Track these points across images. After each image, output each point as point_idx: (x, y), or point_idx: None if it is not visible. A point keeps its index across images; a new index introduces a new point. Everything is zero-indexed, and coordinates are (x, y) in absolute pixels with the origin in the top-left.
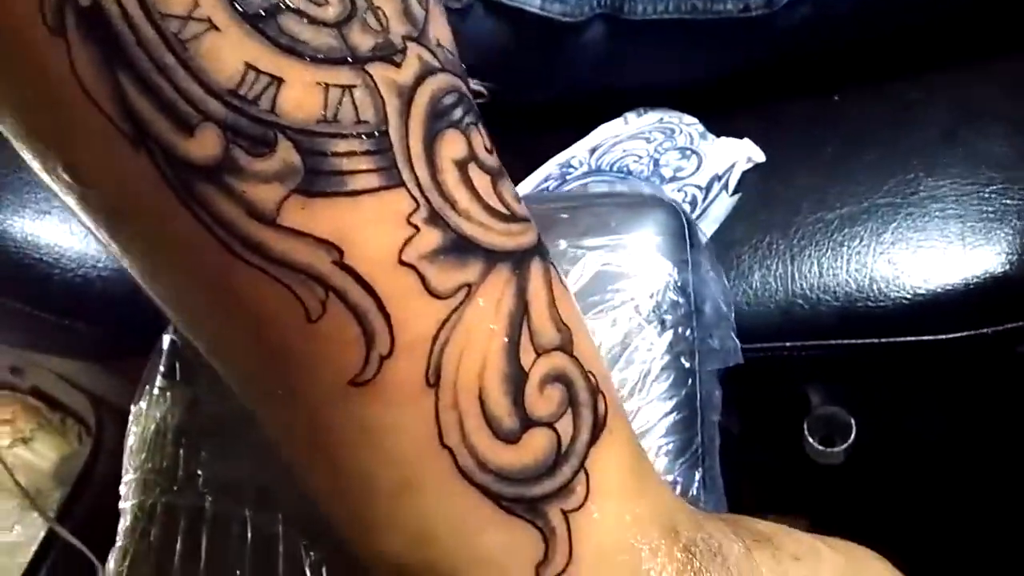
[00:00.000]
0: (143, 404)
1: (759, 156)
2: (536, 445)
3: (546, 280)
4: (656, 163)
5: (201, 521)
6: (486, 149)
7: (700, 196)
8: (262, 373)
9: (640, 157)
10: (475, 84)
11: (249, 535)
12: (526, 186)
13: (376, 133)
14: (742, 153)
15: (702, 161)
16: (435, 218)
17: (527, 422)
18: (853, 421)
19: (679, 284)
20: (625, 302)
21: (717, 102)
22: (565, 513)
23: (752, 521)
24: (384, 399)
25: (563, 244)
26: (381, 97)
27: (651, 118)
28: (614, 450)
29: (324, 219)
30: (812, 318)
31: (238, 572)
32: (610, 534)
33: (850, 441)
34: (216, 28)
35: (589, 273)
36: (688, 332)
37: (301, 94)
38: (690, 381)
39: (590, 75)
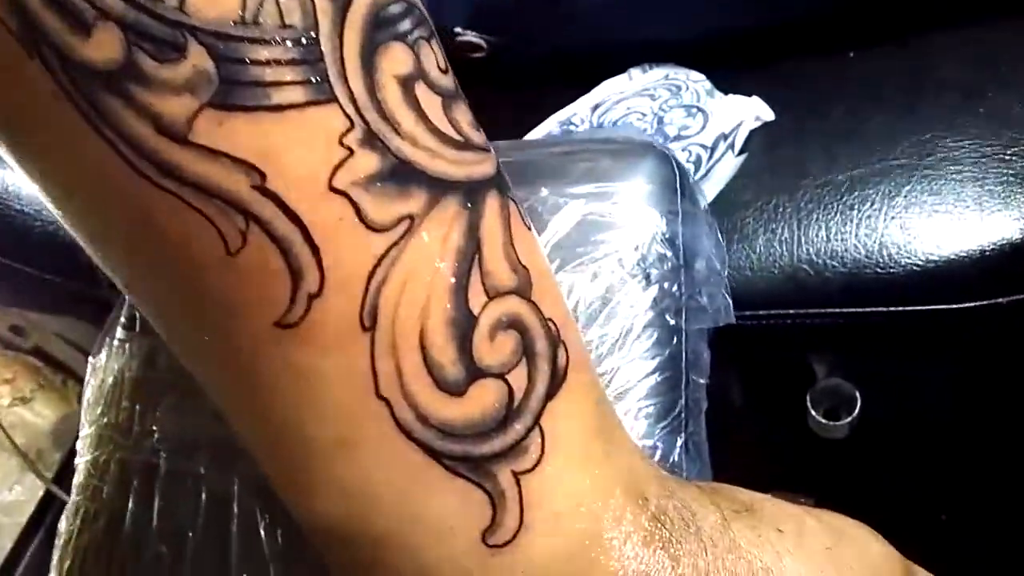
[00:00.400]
0: (103, 356)
1: (768, 114)
2: (484, 398)
3: (503, 216)
4: (660, 121)
5: (154, 478)
6: (439, 68)
7: (705, 156)
8: (183, 314)
9: (644, 115)
10: (473, 36)
11: (203, 495)
12: (521, 146)
13: (304, 40)
14: (750, 111)
15: (708, 119)
16: (372, 140)
17: (474, 372)
18: (858, 394)
19: (667, 236)
20: (608, 254)
21: (726, 59)
22: (516, 475)
23: (734, 490)
24: (314, 343)
25: (544, 191)
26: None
27: (657, 74)
28: (575, 407)
29: (243, 137)
30: (818, 285)
31: (190, 533)
32: (567, 499)
33: (855, 415)
34: None
35: (571, 222)
36: (675, 288)
37: None
38: (675, 340)
39: (593, 29)
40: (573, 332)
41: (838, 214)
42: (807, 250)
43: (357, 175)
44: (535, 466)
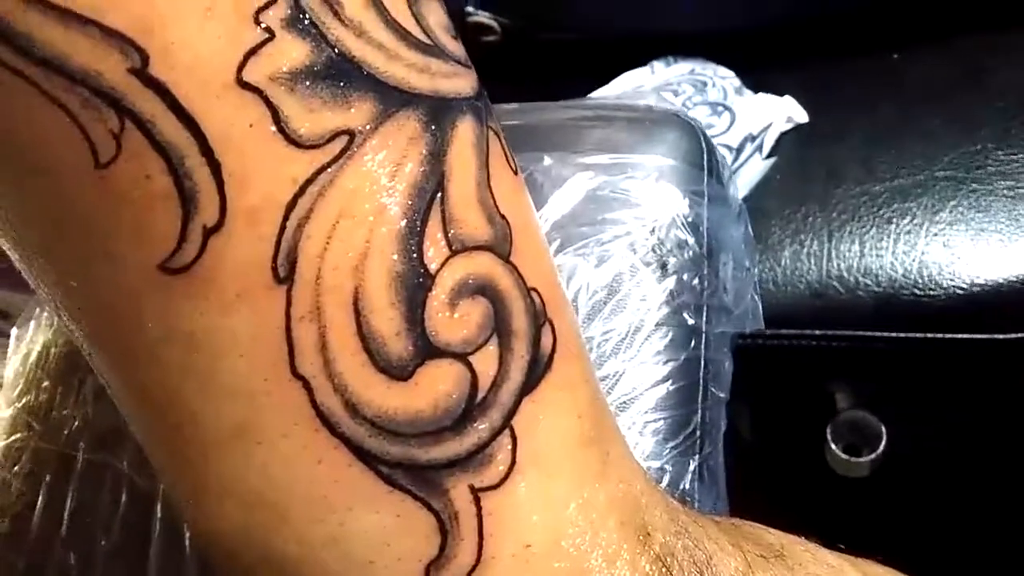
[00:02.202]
0: (29, 328)
1: (801, 116)
2: (437, 385)
3: (480, 148)
4: None
5: (70, 473)
6: None
7: (730, 157)
8: (45, 252)
9: None
10: (485, 17)
11: (124, 494)
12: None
13: None
14: (781, 112)
15: (735, 119)
16: (301, 21)
17: (426, 349)
18: (884, 429)
19: (689, 220)
20: (618, 236)
21: (757, 54)
22: (475, 491)
23: (760, 529)
24: (210, 296)
25: (548, 160)
26: None
27: (681, 68)
28: (561, 406)
29: (119, 3)
30: (847, 305)
31: (103, 541)
32: (545, 528)
33: (879, 452)
34: None
35: (576, 197)
36: (696, 281)
37: None
38: (693, 343)
39: (614, 15)
40: (564, 309)
41: (874, 228)
42: (837, 265)
43: (277, 67)
44: (502, 481)
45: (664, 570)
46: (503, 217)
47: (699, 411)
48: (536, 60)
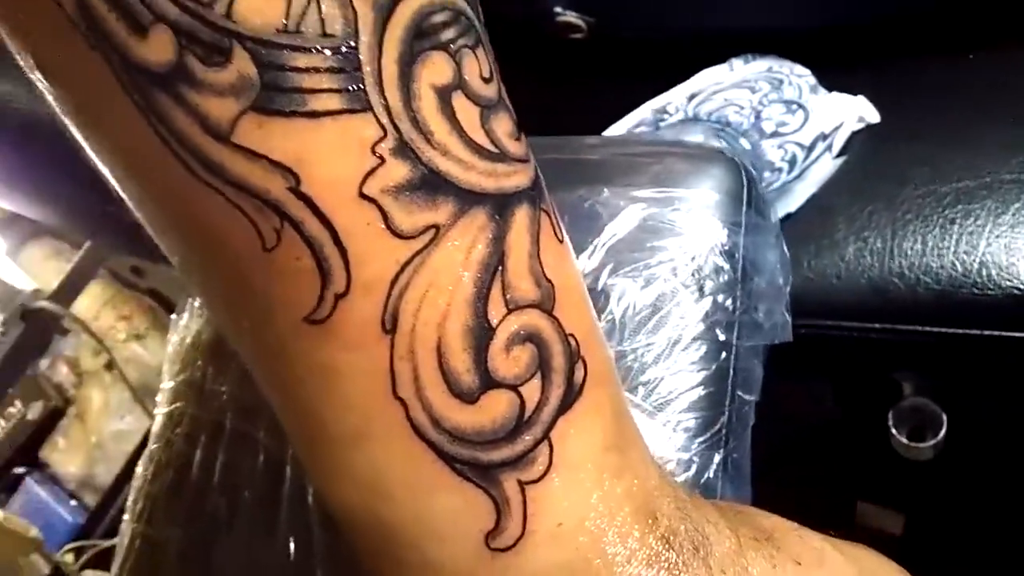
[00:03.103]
0: (184, 316)
1: (873, 116)
2: (495, 407)
3: (532, 229)
4: (758, 116)
5: (220, 436)
6: (481, 77)
7: (801, 155)
8: (224, 301)
9: (742, 108)
10: (573, 17)
11: (261, 456)
12: (617, 129)
13: (343, 49)
14: (854, 112)
15: (808, 117)
16: (404, 149)
17: (488, 382)
18: (945, 417)
19: (726, 248)
20: (663, 262)
21: (834, 53)
22: (522, 483)
23: (759, 515)
24: (338, 341)
25: (606, 192)
26: (353, 9)
27: (759, 66)
28: (588, 423)
29: (281, 141)
30: (909, 300)
31: (246, 492)
32: (573, 511)
33: (940, 437)
34: None
35: (630, 226)
36: (729, 302)
37: (262, 0)
38: (723, 355)
39: (695, 14)
40: (596, 347)
41: (937, 227)
42: (900, 263)
43: (387, 183)
44: (541, 477)
45: (667, 547)
46: (548, 280)
47: (726, 412)
48: (621, 56)
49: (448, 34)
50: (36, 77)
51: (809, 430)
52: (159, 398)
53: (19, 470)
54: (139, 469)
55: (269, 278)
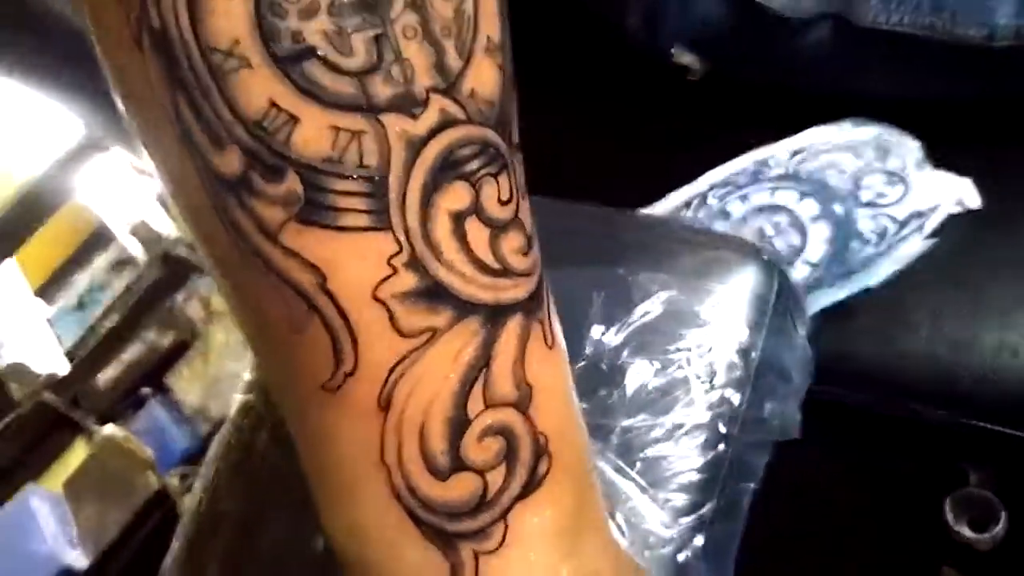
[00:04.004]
0: None
1: (973, 201)
2: (463, 487)
3: (522, 336)
4: (858, 183)
5: (278, 435)
6: (499, 200)
7: (892, 230)
8: (264, 359)
9: (843, 172)
10: (689, 59)
11: None
12: (715, 175)
13: (376, 178)
14: (954, 194)
15: (908, 192)
16: (415, 263)
17: (459, 464)
18: (1004, 512)
19: (743, 347)
20: (680, 349)
21: (947, 129)
22: (476, 553)
23: None
24: (343, 409)
25: (643, 275)
26: (388, 146)
27: (869, 132)
28: (544, 509)
29: (315, 246)
30: (976, 394)
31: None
32: None
33: (999, 528)
34: (250, 66)
35: (657, 310)
36: (736, 397)
37: (313, 134)
38: (722, 446)
39: (810, 73)
40: (568, 443)
41: (1019, 327)
42: (974, 356)
43: (396, 290)
44: (494, 550)
45: None
46: (528, 383)
47: (715, 499)
48: (733, 101)
49: (472, 165)
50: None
51: (851, 505)
52: (239, 385)
53: (145, 391)
54: (212, 447)
55: (296, 349)
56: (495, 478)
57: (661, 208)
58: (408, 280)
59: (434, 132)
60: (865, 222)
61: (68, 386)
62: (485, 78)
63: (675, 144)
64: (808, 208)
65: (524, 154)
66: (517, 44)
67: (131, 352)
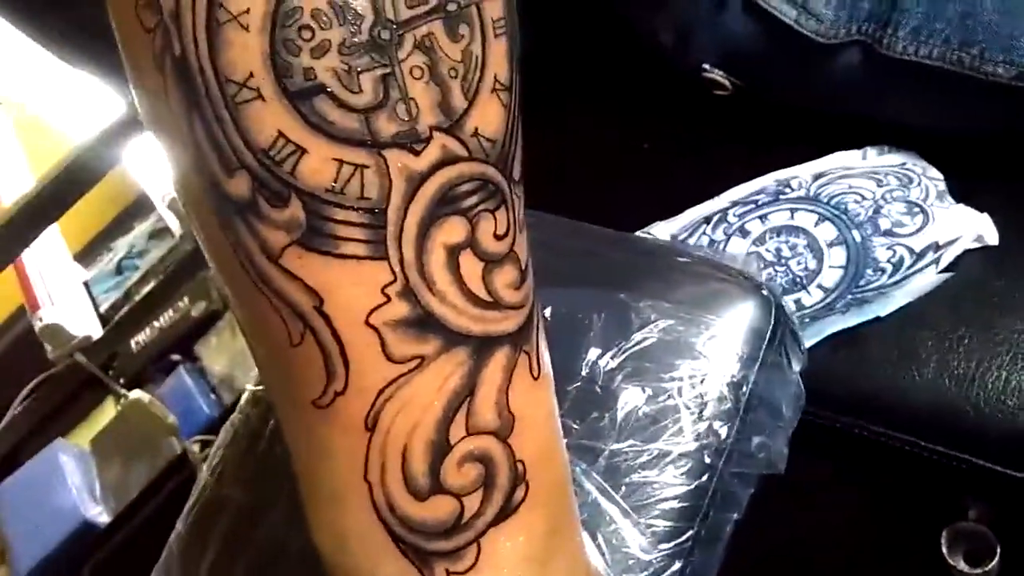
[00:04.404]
0: None
1: (991, 238)
2: (440, 509)
3: (508, 367)
4: (877, 211)
5: None
6: (495, 235)
7: (908, 261)
8: (265, 369)
9: (863, 199)
10: (719, 75)
11: None
12: (737, 193)
13: (375, 209)
14: (973, 229)
15: (927, 224)
16: (408, 293)
17: (437, 487)
18: (999, 544)
19: (734, 381)
20: (673, 378)
21: (968, 163)
22: (448, 572)
23: None
24: (332, 425)
25: (645, 302)
26: (390, 179)
27: (892, 160)
28: (514, 535)
29: (313, 270)
30: (979, 432)
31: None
32: None
33: (994, 564)
34: (262, 98)
35: (654, 338)
36: (724, 429)
37: (318, 165)
38: (706, 476)
39: (837, 98)
40: (546, 471)
41: None
42: (979, 393)
43: (388, 317)
44: (466, 571)
45: None
46: (511, 413)
47: (695, 527)
48: (760, 119)
49: (469, 201)
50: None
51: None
52: (252, 375)
53: (175, 357)
54: (221, 433)
55: (292, 364)
56: (472, 503)
57: (682, 221)
58: (400, 309)
59: (434, 168)
60: (881, 251)
61: (101, 349)
62: (489, 117)
63: (700, 158)
64: (826, 232)
65: (550, 162)
66: (548, 50)
67: (163, 319)
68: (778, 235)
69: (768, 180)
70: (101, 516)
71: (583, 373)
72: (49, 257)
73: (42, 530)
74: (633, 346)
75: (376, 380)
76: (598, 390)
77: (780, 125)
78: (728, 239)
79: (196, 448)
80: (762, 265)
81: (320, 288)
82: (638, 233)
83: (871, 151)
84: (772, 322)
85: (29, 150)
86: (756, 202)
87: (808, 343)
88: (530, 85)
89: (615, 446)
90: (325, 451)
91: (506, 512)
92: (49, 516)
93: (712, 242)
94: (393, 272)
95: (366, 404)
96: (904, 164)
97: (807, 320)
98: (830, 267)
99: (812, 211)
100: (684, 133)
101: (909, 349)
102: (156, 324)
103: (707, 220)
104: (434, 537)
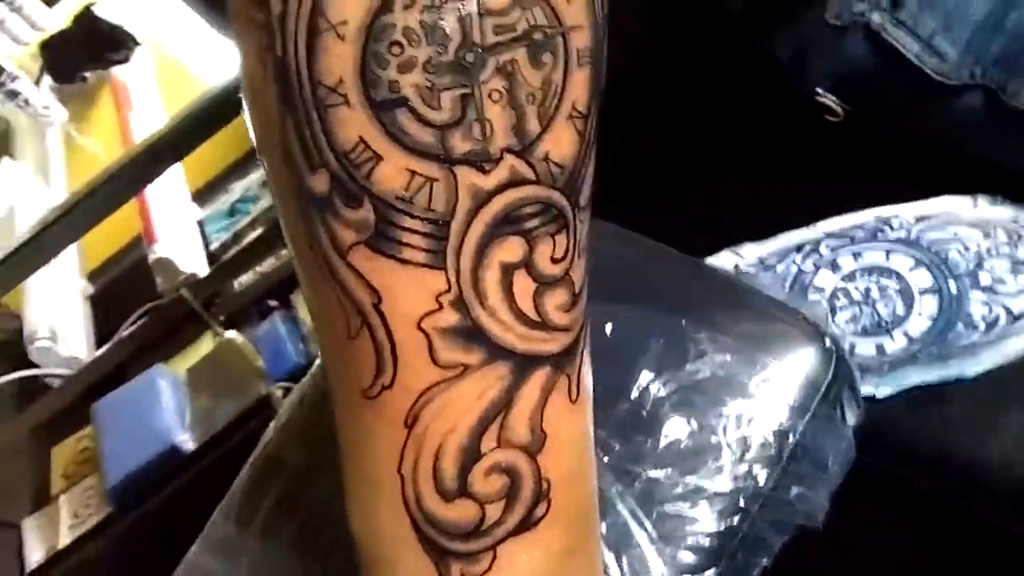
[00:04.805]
0: None
1: None
2: (463, 512)
3: (546, 387)
4: (979, 264)
5: None
6: (552, 258)
7: (1004, 321)
8: (323, 352)
9: (966, 250)
10: (832, 101)
11: None
12: (833, 224)
13: (440, 221)
14: None
15: None
16: (460, 304)
17: (464, 491)
18: None
19: (781, 429)
20: (721, 415)
21: None
22: (463, 572)
23: None
24: (376, 416)
25: (704, 333)
26: (457, 195)
27: (1004, 213)
28: (531, 549)
29: (377, 271)
30: None
31: None
32: None
33: None
34: (348, 104)
35: (708, 372)
36: (763, 475)
37: (392, 173)
38: (737, 519)
39: (952, 139)
40: (571, 493)
41: None
42: None
43: (439, 324)
44: (481, 574)
45: None
46: (543, 431)
47: (721, 567)
48: (870, 150)
49: (531, 223)
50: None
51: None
52: None
53: (273, 303)
54: (294, 390)
55: (347, 352)
56: (493, 511)
57: (772, 246)
58: (451, 317)
59: (501, 188)
60: (977, 307)
61: (205, 286)
62: (562, 143)
63: (800, 183)
64: (921, 278)
65: (644, 170)
66: (660, 54)
67: (266, 265)
68: (869, 274)
69: (868, 216)
70: (187, 443)
71: (633, 395)
72: (169, 194)
73: (133, 447)
74: (686, 376)
75: (420, 381)
76: (645, 414)
77: (888, 160)
78: (817, 271)
79: (279, 393)
80: (847, 303)
81: (380, 288)
82: (725, 252)
83: (983, 200)
84: (830, 375)
85: (165, 90)
86: (852, 237)
87: (883, 391)
88: (637, 91)
89: (653, 473)
90: (367, 438)
91: (526, 525)
92: (141, 435)
93: (800, 271)
94: (449, 282)
95: (409, 401)
96: (1016, 219)
97: (886, 367)
98: (919, 315)
99: (909, 254)
100: (787, 156)
101: (989, 417)
102: (259, 269)
103: (798, 248)
104: (454, 538)
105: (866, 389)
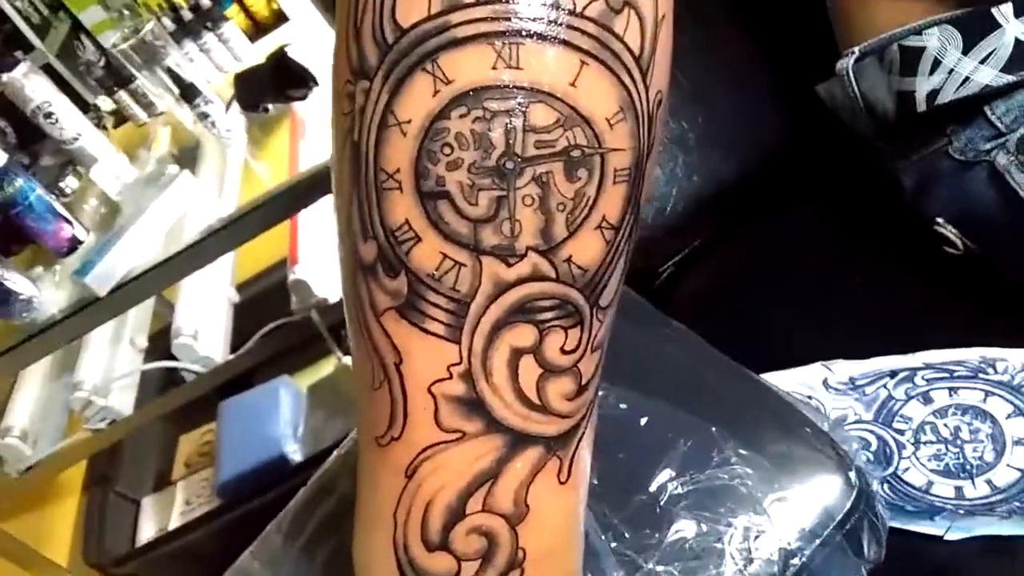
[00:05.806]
0: None
1: None
2: (440, 564)
3: (535, 466)
4: None
5: None
6: (562, 350)
7: None
8: (356, 399)
9: None
10: (951, 232)
11: None
12: (934, 356)
13: (461, 302)
14: None
15: None
16: (467, 376)
17: (444, 545)
18: None
19: (789, 549)
20: (730, 524)
21: None
22: None
23: None
24: (383, 463)
25: (731, 442)
26: (480, 281)
27: None
28: None
29: (402, 335)
30: None
31: None
32: None
33: None
34: (401, 190)
35: (725, 479)
36: None
37: (427, 253)
38: None
39: None
40: (545, 569)
41: None
42: None
43: (446, 392)
44: None
45: None
46: (527, 506)
47: None
48: (985, 288)
49: (544, 316)
50: None
51: None
52: None
53: None
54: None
55: (370, 402)
56: (468, 569)
57: (866, 367)
58: (458, 387)
59: (521, 281)
60: None
61: (334, 312)
62: (587, 249)
63: (907, 309)
64: (1017, 428)
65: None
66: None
67: None
68: (963, 413)
69: (972, 354)
70: (296, 454)
71: (651, 489)
72: (319, 222)
73: (248, 449)
74: (704, 480)
75: (423, 438)
76: (658, 509)
77: (1003, 301)
78: (908, 400)
79: None
80: (933, 439)
81: (403, 350)
82: (817, 365)
83: None
84: (849, 507)
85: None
86: (951, 372)
87: (953, 535)
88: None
89: (654, 567)
90: (374, 481)
91: None
92: (257, 439)
93: (890, 397)
94: (461, 355)
95: (411, 455)
96: None
97: (961, 512)
98: (1008, 466)
99: (1009, 401)
100: (899, 280)
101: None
102: None
103: (893, 374)
104: None
105: (935, 529)
